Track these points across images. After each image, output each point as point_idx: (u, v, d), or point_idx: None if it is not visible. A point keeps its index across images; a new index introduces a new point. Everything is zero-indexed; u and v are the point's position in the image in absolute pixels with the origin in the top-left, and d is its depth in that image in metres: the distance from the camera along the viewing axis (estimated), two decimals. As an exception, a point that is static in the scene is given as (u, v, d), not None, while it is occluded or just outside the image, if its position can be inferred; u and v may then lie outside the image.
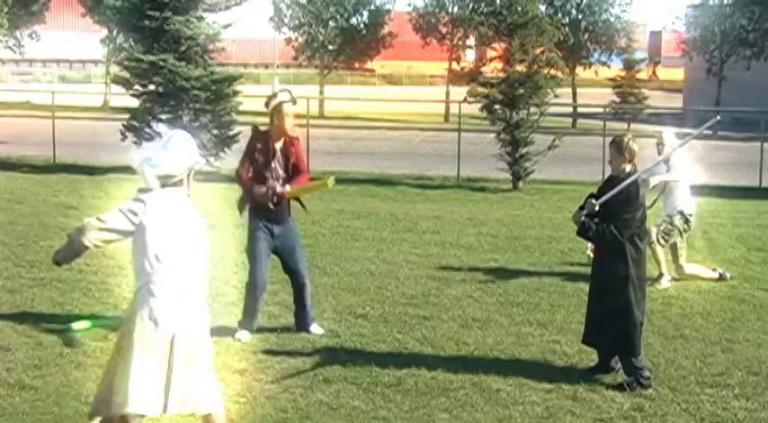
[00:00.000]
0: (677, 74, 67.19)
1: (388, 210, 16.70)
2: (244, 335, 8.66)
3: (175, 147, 5.71)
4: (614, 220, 7.57)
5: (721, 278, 11.40)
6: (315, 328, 8.90)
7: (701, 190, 19.11)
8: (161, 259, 5.52)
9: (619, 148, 7.83)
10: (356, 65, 49.22)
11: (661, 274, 11.10)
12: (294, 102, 8.70)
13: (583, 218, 7.71)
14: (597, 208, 7.64)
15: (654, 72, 48.27)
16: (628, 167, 7.79)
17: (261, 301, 8.88)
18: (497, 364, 8.08)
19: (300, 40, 48.27)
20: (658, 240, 11.06)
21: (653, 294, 10.48)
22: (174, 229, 5.60)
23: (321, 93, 45.39)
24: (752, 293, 10.85)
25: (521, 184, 20.37)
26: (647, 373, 7.68)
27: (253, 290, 8.75)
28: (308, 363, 7.95)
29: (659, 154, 10.95)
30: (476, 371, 7.81)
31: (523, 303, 10.16)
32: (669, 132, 11.30)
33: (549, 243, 13.69)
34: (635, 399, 7.36)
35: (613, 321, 7.65)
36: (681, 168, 11.30)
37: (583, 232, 7.74)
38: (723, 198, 18.72)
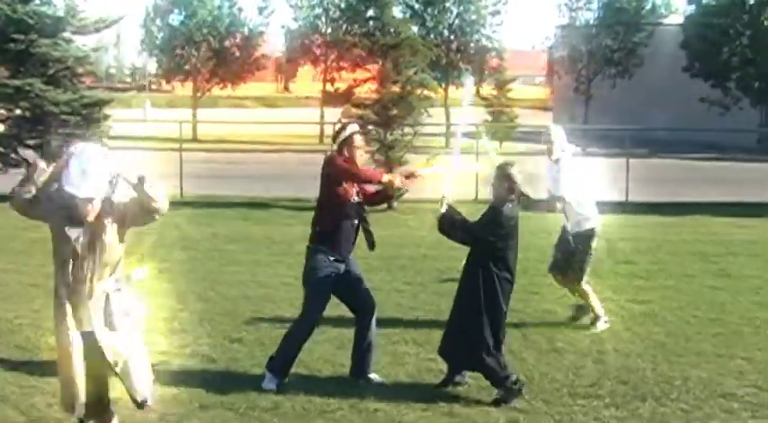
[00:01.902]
0: (543, 92, 68.94)
1: (263, 233, 16.62)
2: (273, 383, 7.98)
3: None
4: (475, 224, 7.83)
5: (594, 320, 10.24)
6: (375, 377, 8.29)
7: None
8: None
9: (502, 175, 7.91)
10: (230, 86, 48.81)
11: (597, 317, 10.25)
12: (364, 132, 8.40)
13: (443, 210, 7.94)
14: (444, 207, 7.89)
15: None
16: (510, 197, 7.86)
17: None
18: (374, 384, 8.12)
19: (173, 62, 47.78)
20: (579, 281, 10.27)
21: (526, 310, 10.71)
22: None
23: (194, 116, 44.95)
24: (620, 305, 11.16)
25: (395, 203, 20.50)
26: (520, 386, 7.81)
27: (303, 332, 8.10)
28: (184, 390, 7.84)
29: (549, 154, 10.13)
30: (352, 392, 7.83)
31: (399, 323, 10.24)
32: (557, 128, 10.41)
33: (423, 261, 13.84)
34: (510, 412, 7.49)
35: (464, 341, 7.79)
36: (575, 184, 10.03)
37: (441, 222, 7.94)
38: (592, 213, 19.18)
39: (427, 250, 14.68)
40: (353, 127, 8.38)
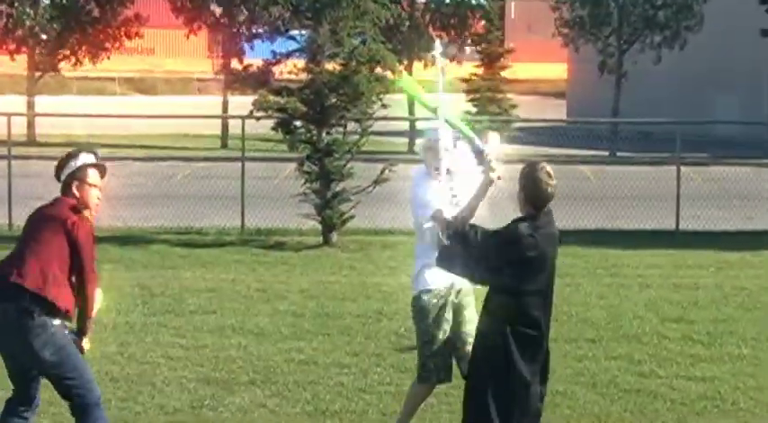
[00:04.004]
0: (549, 70, 68.56)
1: (137, 281, 16.58)
2: None
3: None
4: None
5: None
6: None
7: (595, 235, 19.80)
8: None
9: (521, 177, 7.84)
10: (89, 62, 48.52)
11: None
12: (104, 169, 8.63)
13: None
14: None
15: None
16: (525, 211, 7.81)
17: None
18: None
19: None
20: None
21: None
22: None
23: (30, 106, 44.69)
24: (668, 384, 11.29)
25: (335, 236, 20.55)
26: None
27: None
28: None
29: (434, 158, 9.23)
30: None
31: (341, 412, 10.31)
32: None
33: (377, 322, 13.88)
34: None
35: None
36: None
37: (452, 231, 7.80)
38: (625, 248, 19.34)
39: (382, 304, 14.71)
40: (87, 157, 8.59)
